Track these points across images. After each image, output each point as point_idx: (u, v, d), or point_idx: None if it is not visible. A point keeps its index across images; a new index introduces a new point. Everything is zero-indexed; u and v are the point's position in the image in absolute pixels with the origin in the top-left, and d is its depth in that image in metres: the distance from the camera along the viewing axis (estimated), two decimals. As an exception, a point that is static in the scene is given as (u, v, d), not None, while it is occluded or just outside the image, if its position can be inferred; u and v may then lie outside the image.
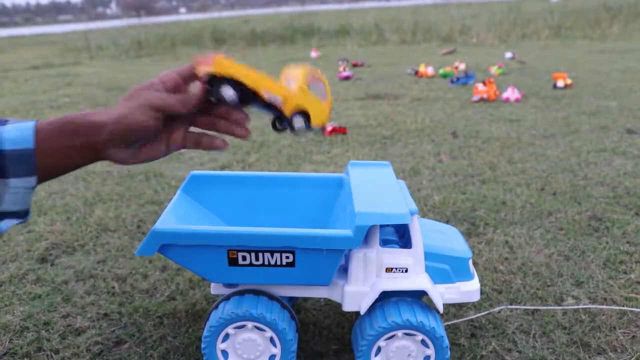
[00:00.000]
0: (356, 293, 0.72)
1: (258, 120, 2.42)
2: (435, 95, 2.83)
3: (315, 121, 0.55)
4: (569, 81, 2.90)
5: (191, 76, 0.49)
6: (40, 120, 0.41)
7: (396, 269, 0.72)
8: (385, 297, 0.74)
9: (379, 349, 0.72)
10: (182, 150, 2.17)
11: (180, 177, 1.65)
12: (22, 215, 0.42)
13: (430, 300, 0.80)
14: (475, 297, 0.76)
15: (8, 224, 0.41)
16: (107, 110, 0.43)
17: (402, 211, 0.69)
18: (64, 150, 0.40)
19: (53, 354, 0.79)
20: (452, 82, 3.14)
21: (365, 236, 0.71)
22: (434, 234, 0.80)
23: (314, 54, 5.26)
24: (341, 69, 3.84)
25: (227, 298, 0.73)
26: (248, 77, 0.51)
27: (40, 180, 0.41)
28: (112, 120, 0.42)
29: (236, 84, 0.49)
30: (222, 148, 0.51)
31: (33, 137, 0.38)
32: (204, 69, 0.46)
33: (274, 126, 0.57)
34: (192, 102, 0.48)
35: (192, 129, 0.52)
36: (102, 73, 4.51)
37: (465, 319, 0.86)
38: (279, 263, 0.70)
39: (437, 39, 6.11)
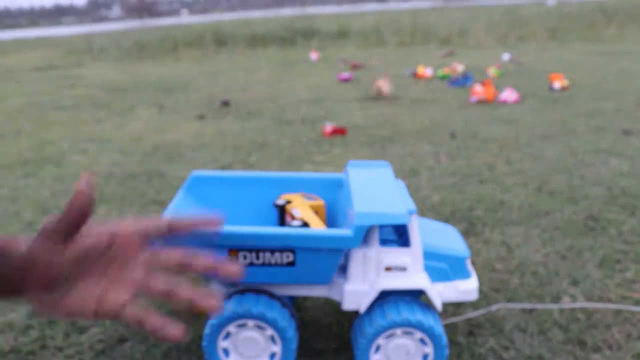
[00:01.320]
0: (356, 292, 0.73)
1: (259, 120, 2.43)
2: (434, 97, 2.85)
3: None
4: (565, 83, 2.92)
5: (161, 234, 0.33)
6: None
7: (395, 268, 0.73)
8: (385, 296, 0.75)
9: (378, 347, 0.73)
10: (183, 149, 2.19)
11: (181, 177, 1.66)
12: None
13: (429, 299, 0.81)
14: (473, 296, 0.77)
15: None
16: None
17: (401, 211, 0.70)
18: None
19: (57, 352, 0.80)
20: (451, 83, 3.15)
21: (364, 236, 0.72)
22: (433, 234, 0.81)
23: (313, 55, 5.28)
24: (344, 68, 3.84)
25: (228, 297, 0.74)
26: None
27: None
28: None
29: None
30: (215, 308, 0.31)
31: None
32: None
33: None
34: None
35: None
36: (105, 75, 4.52)
37: (463, 317, 0.87)
38: (279, 262, 0.71)
39: (436, 41, 6.14)
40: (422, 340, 0.73)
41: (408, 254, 0.74)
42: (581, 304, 0.91)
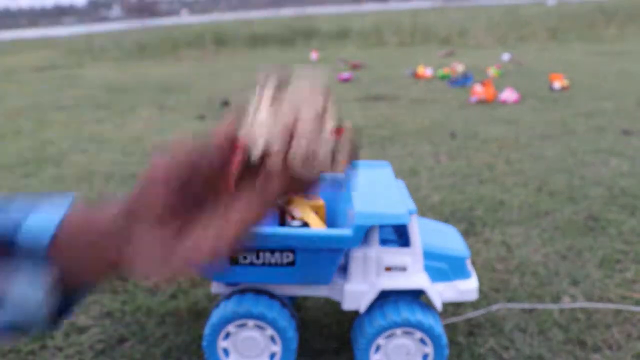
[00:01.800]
0: (356, 292, 0.74)
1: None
2: (434, 97, 2.85)
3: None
4: (565, 83, 2.92)
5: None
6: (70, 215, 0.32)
7: (395, 268, 0.73)
8: (385, 295, 0.75)
9: (378, 347, 0.73)
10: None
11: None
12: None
13: (429, 299, 0.81)
14: (473, 296, 0.77)
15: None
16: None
17: (401, 211, 0.70)
18: (80, 255, 0.30)
19: (57, 352, 0.80)
20: (451, 83, 3.15)
21: (364, 236, 0.72)
22: (433, 234, 0.81)
23: (314, 55, 5.28)
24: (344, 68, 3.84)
25: (228, 297, 0.74)
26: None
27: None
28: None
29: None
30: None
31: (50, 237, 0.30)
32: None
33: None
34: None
35: None
36: (106, 75, 4.52)
37: (463, 317, 0.87)
38: (279, 262, 0.71)
39: (436, 41, 6.15)
40: (422, 340, 0.73)
41: (408, 254, 0.74)
42: (581, 304, 0.91)
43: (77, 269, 0.31)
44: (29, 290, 0.29)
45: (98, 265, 0.31)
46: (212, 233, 0.28)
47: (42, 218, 0.32)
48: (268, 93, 0.24)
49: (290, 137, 0.24)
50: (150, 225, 0.28)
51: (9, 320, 0.29)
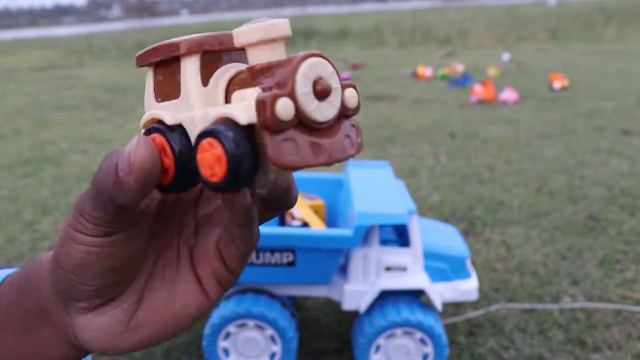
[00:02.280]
0: (356, 292, 0.74)
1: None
2: (434, 97, 2.85)
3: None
4: (565, 83, 2.92)
5: None
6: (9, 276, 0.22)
7: (395, 268, 0.73)
8: (385, 295, 0.75)
9: (378, 347, 0.73)
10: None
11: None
12: None
13: (429, 299, 0.81)
14: (473, 296, 0.77)
15: None
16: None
17: (401, 211, 0.70)
18: (15, 327, 0.21)
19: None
20: (451, 83, 3.16)
21: (364, 236, 0.72)
22: (433, 234, 0.81)
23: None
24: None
25: (228, 297, 0.74)
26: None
27: None
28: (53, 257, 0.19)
29: None
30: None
31: None
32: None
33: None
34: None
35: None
36: (105, 75, 4.52)
37: (463, 317, 0.87)
38: (279, 262, 0.71)
39: (436, 41, 6.15)
40: (422, 340, 0.73)
41: (408, 254, 0.74)
42: (581, 303, 0.91)
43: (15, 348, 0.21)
44: None
45: (35, 323, 0.20)
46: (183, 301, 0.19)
47: None
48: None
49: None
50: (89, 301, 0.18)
51: None
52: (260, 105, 0.14)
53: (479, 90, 2.68)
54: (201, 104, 0.17)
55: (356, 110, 0.16)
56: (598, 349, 0.80)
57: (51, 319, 0.20)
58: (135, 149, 0.17)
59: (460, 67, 3.70)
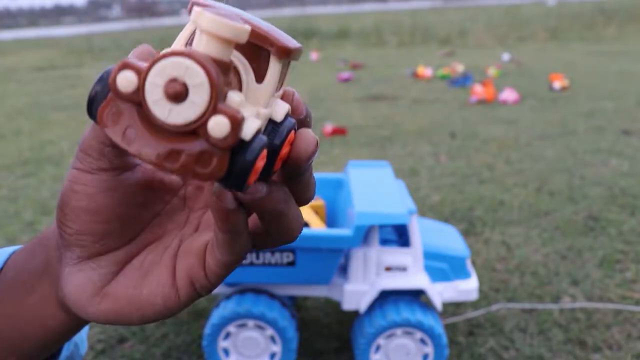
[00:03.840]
0: (356, 292, 0.74)
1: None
2: (434, 97, 2.85)
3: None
4: (565, 83, 2.92)
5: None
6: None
7: (395, 267, 0.73)
8: (385, 295, 0.75)
9: (378, 347, 0.73)
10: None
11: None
12: None
13: (429, 299, 0.81)
14: (473, 296, 0.77)
15: None
16: None
17: (401, 211, 0.70)
18: (16, 290, 0.21)
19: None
20: (451, 83, 3.16)
21: (364, 236, 0.72)
22: (433, 234, 0.81)
23: (314, 55, 5.28)
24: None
25: (229, 297, 0.74)
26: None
27: None
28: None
29: None
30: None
31: None
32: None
33: None
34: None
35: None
36: (103, 75, 4.52)
37: (463, 317, 0.87)
38: (279, 262, 0.71)
39: (436, 41, 6.15)
40: (422, 340, 0.73)
41: (408, 254, 0.74)
42: (581, 303, 0.91)
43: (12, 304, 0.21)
44: None
45: (39, 283, 0.20)
46: (180, 274, 0.18)
47: None
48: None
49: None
50: (78, 259, 0.19)
51: None
52: (116, 68, 0.15)
53: (479, 90, 2.68)
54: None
55: (225, 141, 0.14)
56: (598, 349, 0.80)
57: (50, 273, 0.20)
58: (133, 51, 0.18)
59: (460, 67, 3.70)
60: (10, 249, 0.24)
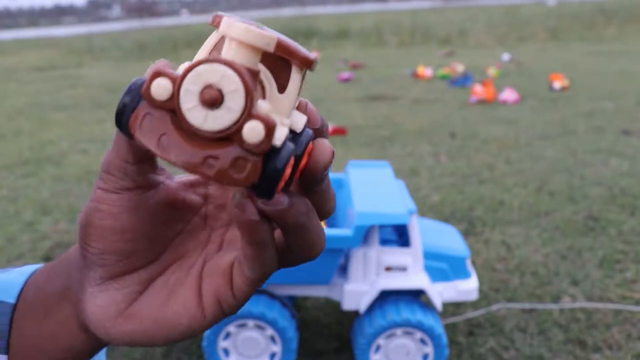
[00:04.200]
0: (356, 292, 0.74)
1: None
2: (434, 97, 2.85)
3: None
4: (565, 83, 2.92)
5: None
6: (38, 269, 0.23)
7: (395, 267, 0.73)
8: (385, 295, 0.75)
9: (378, 347, 0.73)
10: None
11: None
12: None
13: (429, 299, 0.81)
14: (473, 296, 0.77)
15: None
16: None
17: (401, 211, 0.70)
18: (37, 310, 0.21)
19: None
20: (451, 83, 3.16)
21: (364, 235, 0.72)
22: (433, 234, 0.81)
23: (314, 55, 5.28)
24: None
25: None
26: None
27: None
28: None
29: None
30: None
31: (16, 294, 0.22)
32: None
33: None
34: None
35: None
36: (105, 75, 4.52)
37: (463, 317, 0.87)
38: (279, 262, 0.71)
39: (436, 41, 6.15)
40: (422, 340, 0.73)
41: (408, 254, 0.74)
42: (581, 303, 0.91)
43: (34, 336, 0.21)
44: None
45: (60, 302, 0.21)
46: (206, 293, 0.19)
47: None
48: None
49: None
50: (100, 280, 0.19)
51: None
52: (150, 75, 0.15)
53: (479, 90, 2.68)
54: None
55: (260, 146, 0.14)
56: (598, 349, 0.80)
57: (71, 297, 0.20)
58: (151, 67, 0.17)
59: (460, 67, 3.70)
60: (31, 268, 0.24)
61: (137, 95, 0.16)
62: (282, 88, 0.16)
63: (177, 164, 0.15)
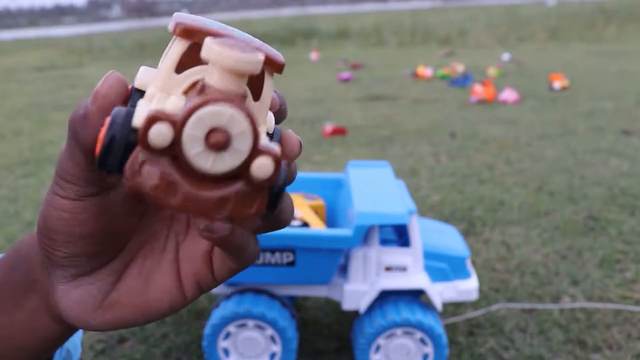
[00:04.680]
0: (356, 292, 0.73)
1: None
2: (434, 97, 2.85)
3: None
4: (565, 83, 2.92)
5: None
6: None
7: (395, 268, 0.73)
8: (385, 295, 0.75)
9: (378, 347, 0.73)
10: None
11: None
12: None
13: (429, 299, 0.81)
14: (473, 296, 0.77)
15: None
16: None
17: (401, 211, 0.70)
18: (6, 294, 0.21)
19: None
20: (451, 83, 3.16)
21: (364, 235, 0.72)
22: (433, 234, 0.81)
23: (314, 55, 5.28)
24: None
25: (228, 297, 0.74)
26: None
27: None
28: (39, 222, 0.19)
29: None
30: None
31: None
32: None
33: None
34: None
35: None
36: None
37: (463, 317, 0.87)
38: (279, 262, 0.71)
39: (436, 41, 6.15)
40: (422, 340, 0.73)
41: (408, 254, 0.74)
42: (581, 304, 0.91)
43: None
44: None
45: (25, 297, 0.20)
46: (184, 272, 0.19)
47: None
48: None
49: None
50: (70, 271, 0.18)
51: None
52: (145, 120, 0.14)
53: (479, 90, 2.68)
54: (159, 85, 0.16)
55: (269, 180, 0.14)
56: (598, 349, 0.80)
57: (38, 289, 0.20)
58: (103, 81, 0.17)
59: (460, 67, 3.70)
60: None
61: (122, 130, 0.14)
62: (257, 96, 0.16)
63: (185, 211, 0.14)
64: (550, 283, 0.98)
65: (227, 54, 0.14)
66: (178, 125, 0.14)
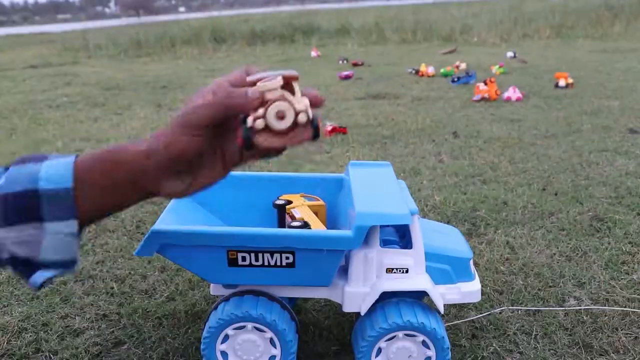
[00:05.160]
0: (356, 294, 0.72)
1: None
2: (436, 95, 2.82)
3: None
4: (570, 81, 2.89)
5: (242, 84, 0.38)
6: (81, 156, 0.35)
7: (397, 269, 0.72)
8: (386, 297, 0.74)
9: (379, 350, 0.72)
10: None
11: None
12: (66, 265, 0.35)
13: (431, 301, 0.80)
14: (476, 298, 0.75)
15: (44, 275, 0.34)
16: (151, 138, 0.36)
17: (403, 211, 0.68)
18: (106, 189, 0.35)
19: (51, 355, 0.79)
20: (453, 81, 3.13)
21: (365, 236, 0.70)
22: (435, 235, 0.80)
23: (314, 53, 5.25)
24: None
25: (227, 299, 0.73)
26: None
27: (82, 224, 0.35)
28: (154, 149, 0.35)
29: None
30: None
31: (71, 175, 0.33)
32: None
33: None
34: (240, 96, 0.35)
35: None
36: (101, 72, 4.50)
37: (466, 319, 0.86)
38: (279, 263, 0.70)
39: (438, 38, 6.11)
40: (424, 343, 0.71)
41: (410, 255, 0.72)
42: (587, 306, 0.89)
43: (105, 200, 0.35)
44: (60, 238, 0.33)
45: (126, 188, 0.36)
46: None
47: (52, 164, 0.34)
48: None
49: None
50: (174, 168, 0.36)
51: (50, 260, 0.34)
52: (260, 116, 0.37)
53: (482, 88, 2.65)
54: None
55: (307, 123, 0.37)
56: (604, 352, 0.78)
57: (140, 185, 0.36)
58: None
59: (463, 65, 3.67)
60: (60, 161, 0.35)
61: (245, 128, 0.36)
62: (293, 93, 0.37)
63: (274, 149, 0.37)
64: (555, 285, 0.97)
65: (267, 84, 0.36)
66: (266, 108, 0.36)
